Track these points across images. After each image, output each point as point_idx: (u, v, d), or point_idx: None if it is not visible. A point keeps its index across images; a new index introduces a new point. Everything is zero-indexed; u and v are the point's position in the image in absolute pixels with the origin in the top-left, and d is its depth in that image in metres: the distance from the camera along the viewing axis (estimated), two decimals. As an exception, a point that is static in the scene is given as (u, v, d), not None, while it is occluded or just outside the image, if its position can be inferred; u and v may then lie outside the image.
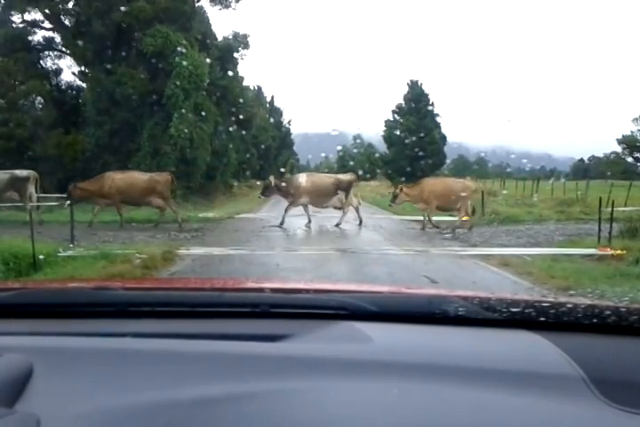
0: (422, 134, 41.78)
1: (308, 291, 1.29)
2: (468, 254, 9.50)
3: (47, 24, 23.77)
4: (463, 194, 13.70)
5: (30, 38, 24.05)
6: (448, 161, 49.70)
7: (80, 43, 22.07)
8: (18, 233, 9.08)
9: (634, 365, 0.92)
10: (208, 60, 21.90)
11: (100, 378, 0.84)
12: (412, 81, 46.79)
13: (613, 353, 0.95)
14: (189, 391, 0.79)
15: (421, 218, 14.30)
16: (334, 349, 0.93)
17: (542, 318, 1.05)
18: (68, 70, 26.17)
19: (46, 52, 24.99)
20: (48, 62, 25.17)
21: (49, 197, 15.38)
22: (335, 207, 14.90)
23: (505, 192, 22.12)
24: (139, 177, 14.93)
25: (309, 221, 14.29)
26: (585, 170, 62.42)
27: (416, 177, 21.80)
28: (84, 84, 23.83)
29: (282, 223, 13.95)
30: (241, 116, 25.27)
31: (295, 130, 64.26)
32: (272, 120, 43.32)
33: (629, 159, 51.58)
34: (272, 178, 15.36)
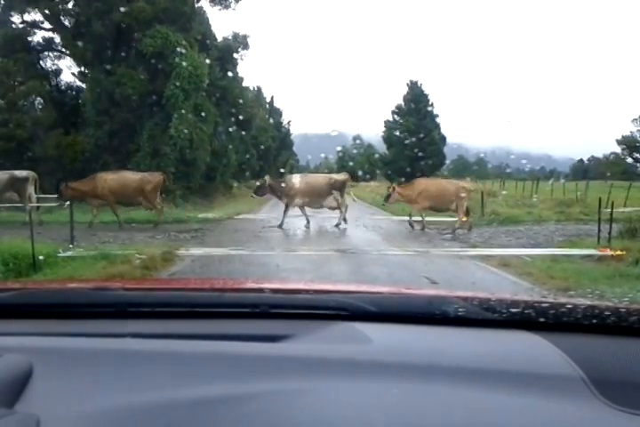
0: (422, 135, 41.83)
1: (307, 291, 1.29)
2: (468, 255, 9.51)
3: (47, 25, 23.78)
4: (459, 194, 13.74)
5: (30, 39, 24.05)
6: (448, 162, 49.72)
7: (80, 43, 22.07)
8: (17, 234, 9.08)
9: (633, 365, 0.92)
10: (208, 61, 21.88)
11: (99, 378, 0.84)
12: (411, 81, 46.83)
13: (613, 354, 0.95)
14: (189, 392, 0.79)
15: (420, 219, 14.32)
16: (334, 349, 0.93)
17: (542, 319, 1.05)
18: (68, 71, 26.21)
19: (46, 53, 24.98)
20: (48, 63, 25.19)
21: (48, 197, 15.37)
22: (329, 207, 14.87)
23: (504, 193, 22.14)
24: (130, 177, 14.89)
25: (308, 222, 14.29)
26: (584, 171, 62.48)
27: (416, 178, 21.81)
28: (83, 85, 23.82)
29: (281, 224, 13.95)
30: (241, 117, 25.28)
31: (295, 130, 64.36)
32: (272, 121, 43.30)
33: (629, 160, 51.64)
34: (266, 178, 15.32)
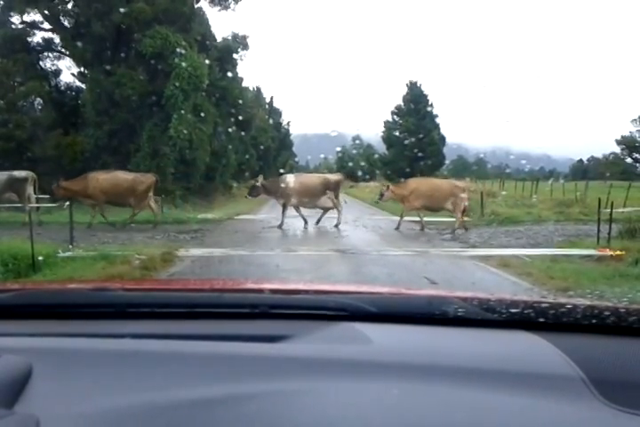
0: (421, 135, 41.87)
1: (307, 292, 1.29)
2: (468, 255, 9.51)
3: (46, 25, 23.79)
4: (454, 194, 13.78)
5: (29, 39, 24.05)
6: (447, 162, 49.79)
7: (79, 44, 22.08)
8: (17, 234, 9.08)
9: (633, 365, 0.92)
10: (207, 61, 21.88)
11: (99, 379, 0.84)
12: (411, 82, 46.89)
13: (613, 354, 0.95)
14: (189, 392, 0.79)
15: (419, 219, 14.33)
16: (334, 350, 0.93)
17: (541, 319, 1.05)
18: (68, 71, 26.17)
19: (45, 53, 24.98)
20: (47, 63, 25.18)
21: (48, 198, 15.36)
22: (323, 207, 14.87)
23: (504, 193, 22.14)
24: (123, 177, 14.81)
25: (306, 222, 14.29)
26: (584, 171, 62.52)
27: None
28: (83, 85, 23.81)
29: (281, 225, 13.95)
30: (240, 117, 25.28)
31: (294, 131, 64.40)
32: (271, 121, 43.30)
33: (628, 160, 51.70)
34: (259, 178, 15.28)
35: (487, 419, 0.76)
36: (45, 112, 23.22)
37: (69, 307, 1.14)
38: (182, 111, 20.80)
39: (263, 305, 1.10)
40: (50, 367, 0.85)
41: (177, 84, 20.66)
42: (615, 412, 0.78)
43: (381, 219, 16.68)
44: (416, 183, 14.62)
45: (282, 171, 28.33)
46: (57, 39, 24.04)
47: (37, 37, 24.27)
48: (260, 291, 1.30)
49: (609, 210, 10.74)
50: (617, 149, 52.01)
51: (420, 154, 40.09)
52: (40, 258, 7.56)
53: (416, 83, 46.65)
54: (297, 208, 14.63)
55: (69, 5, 23.09)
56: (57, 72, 25.19)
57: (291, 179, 15.00)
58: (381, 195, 14.96)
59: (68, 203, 11.80)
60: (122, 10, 20.44)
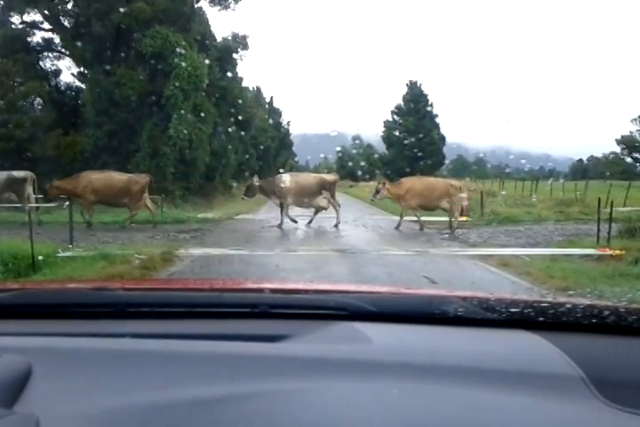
0: (421, 135, 41.91)
1: (307, 291, 1.29)
2: (467, 255, 9.51)
3: (46, 25, 23.80)
4: (451, 193, 13.80)
5: (29, 39, 24.07)
6: (447, 161, 49.82)
7: (79, 44, 22.09)
8: (17, 234, 9.08)
9: (633, 364, 0.92)
10: (207, 61, 21.89)
11: (98, 379, 0.84)
12: (410, 82, 46.95)
13: (612, 353, 0.95)
14: (189, 392, 0.79)
15: (423, 218, 14.34)
16: (334, 349, 0.93)
17: (541, 319, 1.05)
18: (68, 71, 26.19)
19: (45, 53, 24.98)
20: (47, 63, 25.20)
21: (42, 197, 15.34)
22: (319, 207, 14.86)
23: (504, 192, 22.13)
24: (117, 177, 14.74)
25: (295, 222, 14.29)
26: (584, 170, 62.54)
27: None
28: (83, 85, 23.82)
29: (281, 224, 13.96)
30: (240, 117, 25.27)
31: (294, 130, 64.28)
32: (271, 121, 43.28)
33: (628, 159, 51.73)
34: (255, 178, 15.22)
35: (487, 418, 0.76)
36: (45, 112, 23.22)
37: (69, 307, 1.14)
38: (182, 111, 20.81)
39: (263, 305, 1.10)
40: (50, 367, 0.85)
41: (177, 83, 20.66)
42: (615, 411, 0.78)
43: (381, 218, 16.68)
44: (411, 182, 14.64)
45: (281, 170, 28.35)
46: (57, 39, 24.08)
47: (37, 37, 24.34)
48: (260, 290, 1.30)
49: (609, 209, 10.74)
50: (617, 149, 52.07)
51: (419, 154, 40.12)
52: (40, 258, 7.56)
53: (416, 82, 46.73)
54: (284, 208, 14.52)
55: (69, 5, 23.11)
56: (57, 72, 25.24)
57: (286, 179, 14.94)
58: (377, 192, 14.97)
59: (67, 203, 11.80)
60: (122, 10, 20.45)
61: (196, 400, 0.76)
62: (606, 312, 1.04)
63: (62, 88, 25.38)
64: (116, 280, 3.37)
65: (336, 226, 14.03)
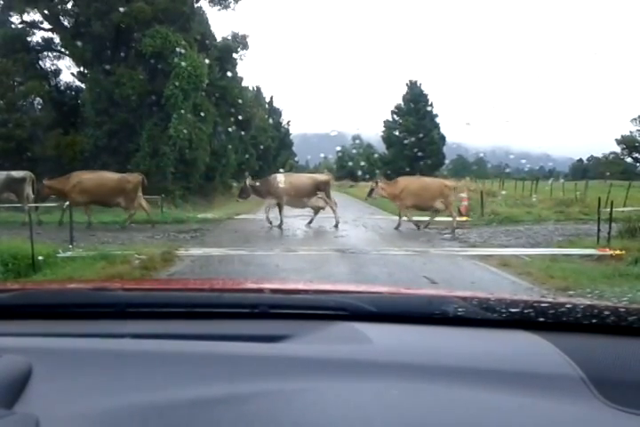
0: (421, 135, 41.90)
1: (307, 291, 1.29)
2: (467, 255, 9.51)
3: (46, 25, 23.79)
4: (445, 193, 13.83)
5: (29, 39, 24.06)
6: (447, 161, 49.83)
7: (79, 43, 22.06)
8: (17, 234, 9.08)
9: (633, 365, 0.92)
10: (207, 61, 21.88)
11: (98, 379, 0.84)
12: (410, 81, 46.99)
13: (612, 353, 0.95)
14: (189, 392, 0.79)
15: (424, 218, 14.35)
16: (334, 349, 0.93)
17: (541, 319, 1.05)
18: (67, 71, 26.19)
19: (45, 53, 24.97)
20: (47, 63, 25.18)
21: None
22: (315, 207, 14.86)
23: (504, 192, 22.13)
24: (108, 177, 14.68)
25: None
26: (584, 170, 62.52)
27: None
28: (83, 85, 23.81)
29: (281, 224, 13.96)
30: (240, 117, 25.27)
31: (294, 130, 64.23)
32: (271, 121, 43.27)
33: (628, 159, 51.75)
34: (248, 179, 15.15)
35: (487, 419, 0.76)
36: (45, 112, 23.21)
37: (69, 307, 1.14)
38: (182, 111, 20.80)
39: (263, 305, 1.10)
40: (50, 367, 0.85)
41: (177, 83, 20.66)
42: (615, 411, 0.78)
43: (381, 218, 16.68)
44: (406, 182, 14.68)
45: (281, 170, 28.37)
46: (57, 39, 24.06)
47: (37, 37, 24.33)
48: (260, 291, 1.30)
49: (609, 209, 10.74)
50: (617, 149, 52.08)
51: (419, 153, 40.12)
52: (40, 258, 7.56)
53: (416, 82, 46.75)
54: (282, 208, 14.49)
55: (69, 5, 23.09)
56: (57, 72, 25.22)
57: (280, 179, 14.88)
58: (371, 190, 15.02)
59: (67, 203, 11.80)
60: (121, 9, 20.43)
61: (195, 401, 0.76)
62: (606, 312, 1.04)
63: (62, 88, 25.37)
64: (115, 280, 3.37)
65: (336, 226, 14.03)
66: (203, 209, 19.69)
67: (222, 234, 12.99)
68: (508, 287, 6.77)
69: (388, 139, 46.89)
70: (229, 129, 26.23)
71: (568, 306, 1.08)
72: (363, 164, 48.12)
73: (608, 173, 38.85)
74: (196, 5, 24.02)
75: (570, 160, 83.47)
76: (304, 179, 15.27)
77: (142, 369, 0.86)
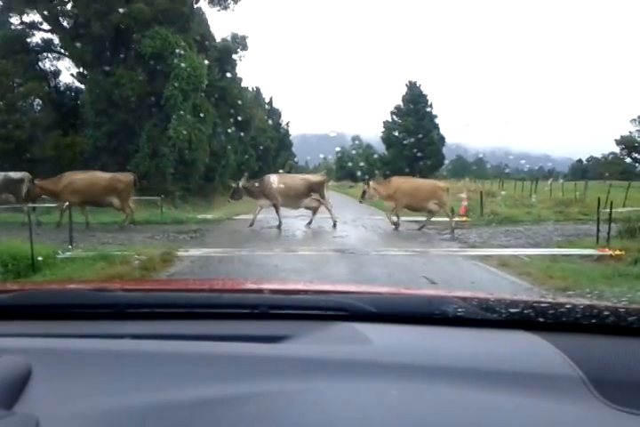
0: (421, 135, 41.96)
1: (307, 292, 1.29)
2: (467, 255, 9.51)
3: (46, 26, 23.80)
4: (438, 195, 13.86)
5: (29, 40, 24.08)
6: (446, 162, 49.88)
7: (78, 44, 22.08)
8: (16, 235, 9.07)
9: (632, 365, 0.92)
10: (207, 62, 21.90)
11: (98, 380, 0.83)
12: (410, 82, 47.04)
13: (612, 353, 0.95)
14: (189, 393, 0.79)
15: (422, 218, 14.35)
16: (334, 350, 0.93)
17: (541, 319, 1.05)
18: (67, 72, 26.22)
19: (45, 54, 24.98)
20: (46, 64, 25.19)
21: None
22: (309, 208, 14.84)
23: (503, 193, 22.14)
24: (100, 176, 14.59)
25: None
26: (583, 170, 62.59)
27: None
28: (82, 86, 23.82)
29: (279, 224, 13.96)
30: (239, 118, 25.28)
31: (294, 131, 64.39)
32: (271, 121, 43.26)
33: (628, 160, 51.83)
34: (242, 180, 15.02)
35: (486, 419, 0.76)
36: (44, 113, 23.22)
37: (69, 307, 1.14)
38: (181, 112, 20.81)
39: (263, 305, 1.10)
40: (49, 368, 0.85)
41: (176, 84, 20.67)
42: (614, 412, 0.78)
43: (380, 219, 16.67)
44: (399, 182, 14.67)
45: (281, 171, 28.36)
46: (56, 40, 24.08)
47: (37, 38, 24.34)
48: (260, 291, 1.30)
49: (608, 210, 10.75)
50: (616, 149, 52.17)
51: (419, 154, 40.18)
52: (40, 258, 7.55)
53: (415, 83, 46.80)
54: (278, 209, 14.44)
55: (68, 6, 23.09)
56: (56, 73, 25.23)
57: (273, 180, 14.79)
58: (363, 192, 14.98)
59: (66, 203, 11.79)
60: (121, 10, 20.44)
61: (195, 401, 0.76)
62: (606, 313, 1.04)
63: (62, 89, 25.39)
64: (115, 281, 3.37)
65: (334, 226, 14.02)
66: (202, 210, 19.68)
67: (222, 234, 12.99)
68: (507, 288, 6.77)
69: (387, 139, 46.94)
70: (229, 130, 26.23)
71: (568, 306, 1.08)
72: (362, 164, 48.15)
73: (607, 174, 38.92)
74: (195, 6, 24.03)
75: (569, 160, 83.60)
76: (298, 180, 15.21)
77: (142, 370, 0.86)
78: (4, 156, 19.96)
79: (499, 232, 12.86)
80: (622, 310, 1.06)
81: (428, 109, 45.62)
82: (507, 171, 48.43)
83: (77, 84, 24.71)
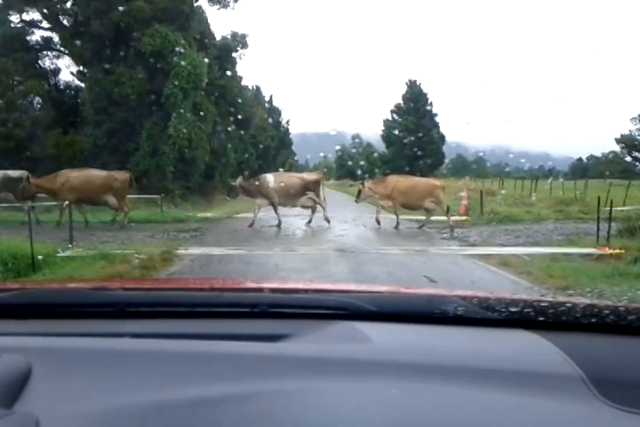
0: (421, 134, 41.92)
1: (307, 291, 1.29)
2: (467, 254, 9.51)
3: (45, 24, 23.77)
4: (434, 193, 13.84)
5: (29, 38, 24.06)
6: (447, 160, 49.88)
7: (78, 42, 22.06)
8: (16, 233, 9.07)
9: (632, 364, 0.92)
10: (206, 60, 21.87)
11: (98, 378, 0.83)
12: (410, 81, 46.96)
13: (612, 352, 0.95)
14: (188, 392, 0.79)
15: (422, 217, 14.34)
16: (334, 349, 0.93)
17: (541, 318, 1.05)
18: (67, 70, 26.25)
19: (45, 52, 24.97)
20: (46, 62, 25.19)
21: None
22: (305, 206, 14.84)
23: (503, 192, 22.12)
24: (96, 175, 14.53)
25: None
26: (583, 169, 62.58)
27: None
28: (82, 84, 23.81)
29: (279, 223, 13.97)
30: (239, 116, 25.27)
31: (294, 130, 64.30)
32: (271, 120, 43.23)
33: (628, 158, 51.80)
34: (239, 178, 14.99)
35: (486, 418, 0.76)
36: (44, 111, 23.21)
37: (69, 306, 1.14)
38: (181, 110, 20.80)
39: (263, 304, 1.10)
40: (49, 367, 0.85)
41: (176, 82, 20.65)
42: (614, 411, 0.78)
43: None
44: (395, 181, 14.65)
45: (281, 169, 28.35)
46: (56, 38, 24.05)
47: (36, 36, 24.33)
48: (260, 290, 1.30)
49: (608, 208, 10.74)
50: (616, 148, 52.15)
51: (419, 153, 40.16)
52: (40, 257, 7.55)
53: (415, 81, 46.73)
54: (276, 207, 14.48)
55: (68, 4, 23.07)
56: (56, 71, 25.23)
57: (269, 179, 14.81)
58: (359, 192, 14.93)
59: (67, 202, 11.79)
60: (121, 8, 20.43)
61: (195, 400, 0.76)
62: (606, 312, 1.04)
63: (61, 87, 25.38)
64: (115, 280, 3.37)
65: (326, 220, 14.03)
66: (202, 208, 19.67)
67: (222, 233, 12.98)
68: (507, 287, 6.77)
69: (387, 138, 46.90)
70: (229, 128, 26.23)
71: (568, 305, 1.08)
72: (362, 163, 48.12)
73: (607, 172, 38.87)
74: (195, 4, 24.02)
75: (569, 159, 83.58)
76: (294, 178, 15.23)
77: (142, 369, 0.86)
78: (3, 154, 19.94)
79: (499, 231, 12.86)
80: (622, 309, 1.06)
81: (429, 108, 45.60)
82: (507, 169, 48.45)
83: (77, 82, 24.75)
